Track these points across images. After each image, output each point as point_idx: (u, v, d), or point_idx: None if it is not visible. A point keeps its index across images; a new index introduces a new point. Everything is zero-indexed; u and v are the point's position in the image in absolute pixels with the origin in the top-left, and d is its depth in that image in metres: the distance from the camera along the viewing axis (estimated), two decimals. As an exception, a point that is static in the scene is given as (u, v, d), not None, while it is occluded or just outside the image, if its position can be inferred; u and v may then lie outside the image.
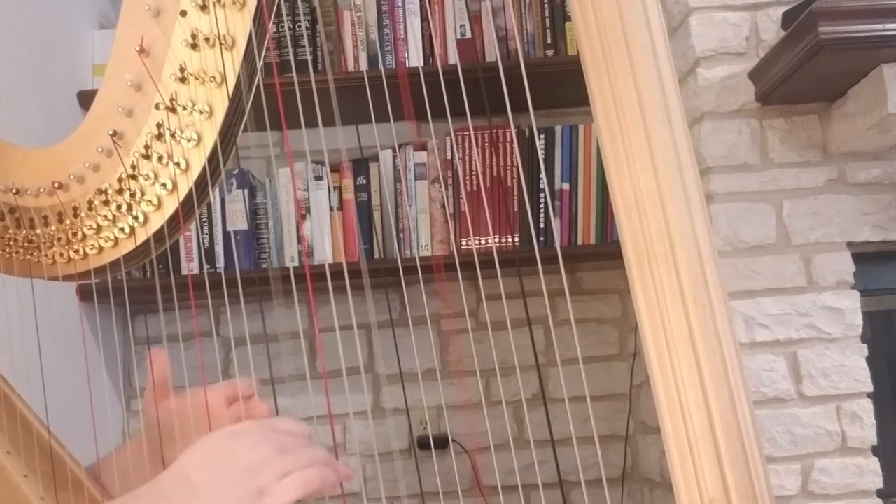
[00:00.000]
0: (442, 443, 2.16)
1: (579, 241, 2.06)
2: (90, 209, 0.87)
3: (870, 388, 1.68)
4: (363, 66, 2.12)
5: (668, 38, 0.66)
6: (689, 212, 0.64)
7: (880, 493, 1.66)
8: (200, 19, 0.81)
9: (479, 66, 2.06)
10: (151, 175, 0.85)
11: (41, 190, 0.87)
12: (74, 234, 0.88)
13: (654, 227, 0.64)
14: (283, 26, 2.09)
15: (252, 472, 0.70)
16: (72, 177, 0.86)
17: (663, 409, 0.64)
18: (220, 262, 2.06)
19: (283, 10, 2.08)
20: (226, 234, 2.07)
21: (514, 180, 2.06)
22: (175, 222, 0.86)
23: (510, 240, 2.05)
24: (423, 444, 2.15)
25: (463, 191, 2.07)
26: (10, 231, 0.89)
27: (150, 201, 0.85)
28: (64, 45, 2.06)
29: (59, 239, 0.88)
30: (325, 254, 2.06)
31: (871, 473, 1.66)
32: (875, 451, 1.68)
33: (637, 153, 0.65)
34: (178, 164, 0.84)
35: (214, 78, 0.81)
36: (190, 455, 0.71)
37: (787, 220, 1.71)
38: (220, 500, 0.69)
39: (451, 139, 2.08)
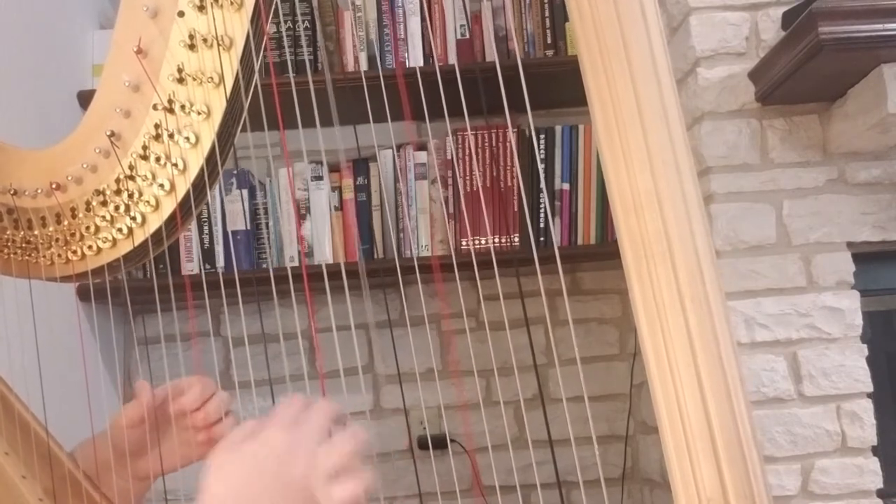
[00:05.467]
0: (441, 443, 2.16)
1: (579, 242, 2.06)
2: (88, 210, 0.87)
3: (870, 388, 1.68)
4: (363, 66, 2.12)
5: (665, 37, 0.66)
6: (687, 211, 0.64)
7: (880, 493, 1.66)
8: (198, 20, 0.81)
9: (478, 66, 2.06)
10: (149, 176, 0.85)
11: (39, 191, 0.87)
12: (72, 234, 0.88)
13: (652, 227, 0.64)
14: (282, 26, 2.09)
15: (294, 481, 0.64)
16: (70, 178, 0.86)
17: (661, 408, 0.64)
18: (220, 263, 2.06)
19: (281, 11, 2.08)
20: (225, 234, 2.07)
21: (514, 180, 2.06)
22: (173, 223, 0.86)
23: (510, 240, 2.05)
24: (422, 444, 2.15)
25: (462, 191, 2.07)
26: (8, 232, 0.89)
27: (147, 202, 0.85)
28: (64, 45, 2.06)
29: (57, 240, 0.88)
30: (324, 254, 2.06)
31: (871, 473, 1.66)
32: (875, 451, 1.68)
33: (634, 153, 0.65)
34: (175, 165, 0.84)
35: (212, 78, 0.82)
36: (215, 482, 0.65)
37: (787, 220, 1.71)
38: None
39: (450, 139, 2.08)
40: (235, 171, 2.07)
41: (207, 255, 2.06)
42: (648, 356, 0.64)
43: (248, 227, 2.07)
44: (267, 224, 2.09)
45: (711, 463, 0.62)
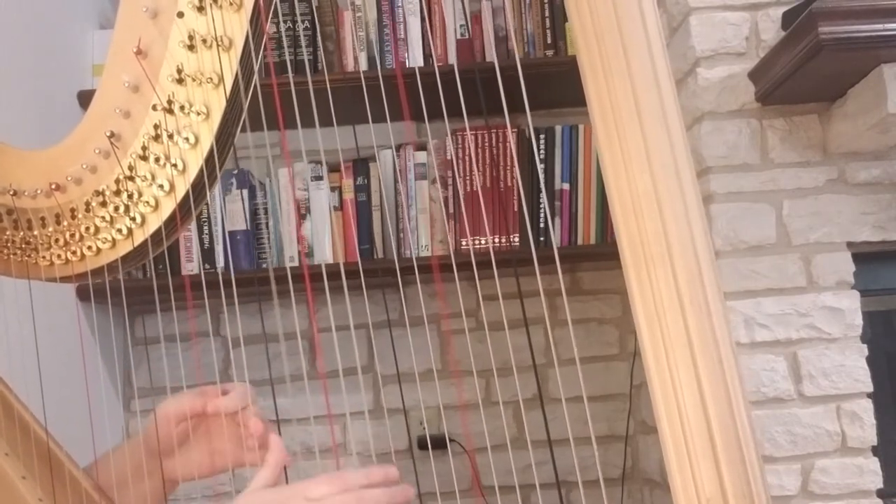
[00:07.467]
0: (441, 443, 2.16)
1: (579, 241, 2.06)
2: (87, 211, 0.87)
3: (870, 388, 1.68)
4: (363, 66, 2.12)
5: (664, 39, 0.66)
6: (686, 213, 0.65)
7: (880, 493, 1.66)
8: (197, 20, 0.81)
9: (478, 66, 2.06)
10: (149, 176, 0.85)
11: (38, 191, 0.87)
12: (72, 235, 0.88)
13: (651, 228, 0.64)
14: (282, 26, 2.09)
15: None
16: (69, 178, 0.86)
17: (660, 409, 0.64)
18: (220, 263, 2.06)
19: (281, 11, 2.08)
20: (225, 235, 2.07)
21: (514, 181, 2.06)
22: (172, 223, 0.86)
23: (510, 240, 2.05)
24: (421, 444, 2.14)
25: (462, 191, 2.07)
26: (7, 232, 0.89)
27: (147, 202, 0.85)
28: (64, 45, 2.06)
29: (57, 240, 0.88)
30: (324, 254, 2.06)
31: (871, 473, 1.66)
32: (875, 451, 1.67)
33: (633, 154, 0.65)
34: (175, 166, 0.84)
35: (211, 79, 0.82)
36: None
37: (787, 220, 1.71)
38: None
39: (450, 139, 2.08)
40: (235, 171, 2.07)
41: (207, 255, 2.06)
42: (648, 357, 0.65)
43: (248, 227, 2.07)
44: (267, 224, 2.09)
45: (710, 463, 0.62)
